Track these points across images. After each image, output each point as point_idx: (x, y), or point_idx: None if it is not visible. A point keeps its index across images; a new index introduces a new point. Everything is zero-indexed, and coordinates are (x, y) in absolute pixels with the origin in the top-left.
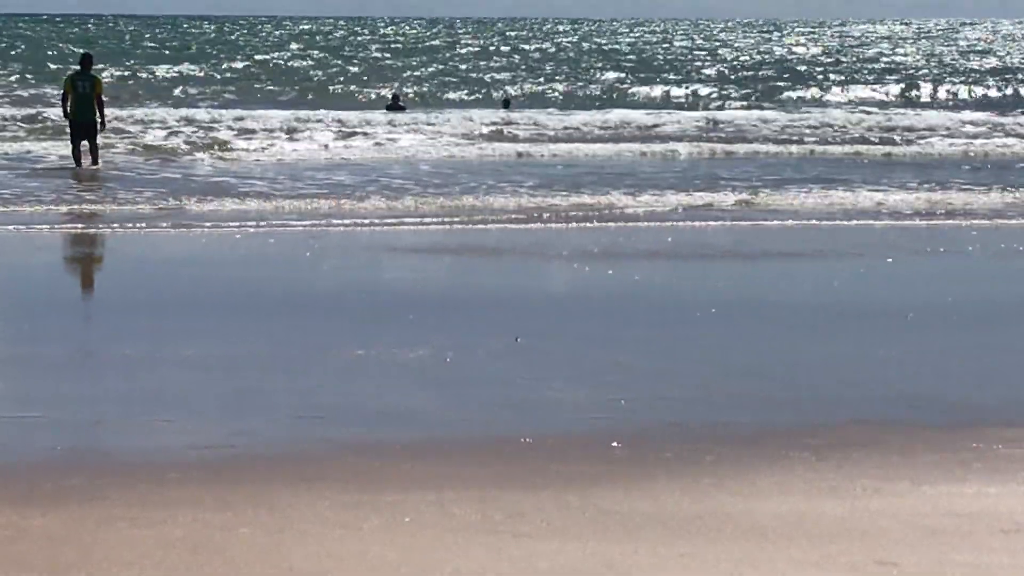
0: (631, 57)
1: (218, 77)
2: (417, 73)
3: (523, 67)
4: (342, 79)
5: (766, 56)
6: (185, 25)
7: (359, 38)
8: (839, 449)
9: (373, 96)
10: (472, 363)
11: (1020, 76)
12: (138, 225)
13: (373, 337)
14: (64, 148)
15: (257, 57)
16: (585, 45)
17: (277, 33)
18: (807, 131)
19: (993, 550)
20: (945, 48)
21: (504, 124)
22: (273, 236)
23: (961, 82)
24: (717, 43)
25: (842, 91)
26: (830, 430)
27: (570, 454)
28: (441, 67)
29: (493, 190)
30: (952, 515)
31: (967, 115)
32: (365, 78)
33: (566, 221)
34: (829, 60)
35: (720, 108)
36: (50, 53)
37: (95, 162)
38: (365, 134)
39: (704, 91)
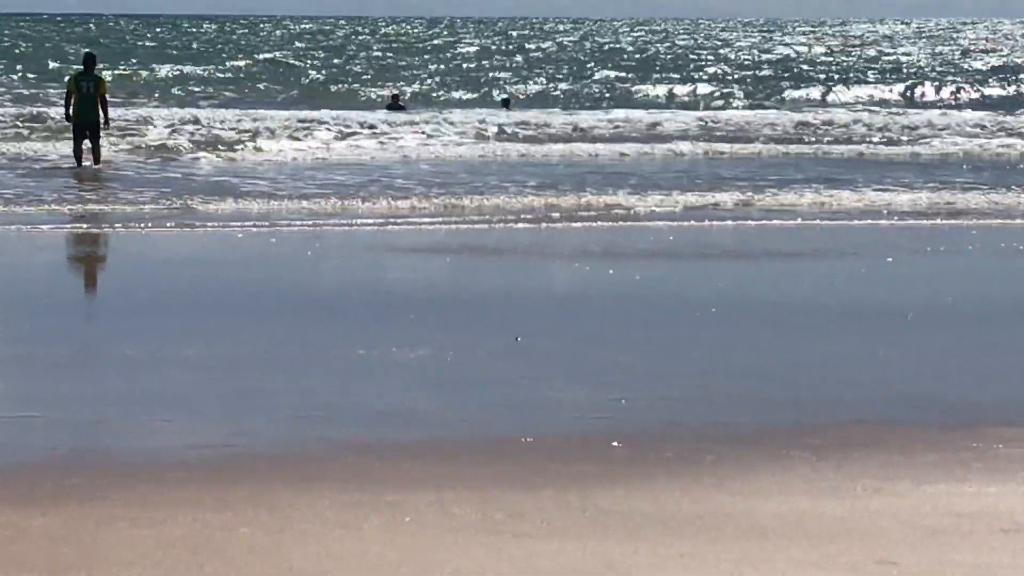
0: (634, 56)
1: (219, 77)
2: (417, 72)
3: (524, 67)
4: (343, 79)
5: (768, 56)
6: (186, 25)
7: (359, 38)
8: (839, 449)
9: (374, 96)
10: (472, 363)
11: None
12: (138, 225)
13: (373, 337)
14: (64, 148)
15: (257, 56)
16: (586, 44)
17: (277, 33)
18: (809, 131)
19: (993, 550)
20: (947, 48)
21: (505, 124)
22: (274, 236)
23: (964, 81)
24: (718, 42)
25: (846, 90)
26: (830, 430)
27: (570, 454)
28: (441, 67)
29: (494, 190)
30: (952, 515)
31: (969, 114)
32: (365, 78)
33: (566, 221)
34: (831, 59)
35: (722, 108)
36: (50, 50)
37: (96, 162)
38: (366, 134)
39: (706, 90)
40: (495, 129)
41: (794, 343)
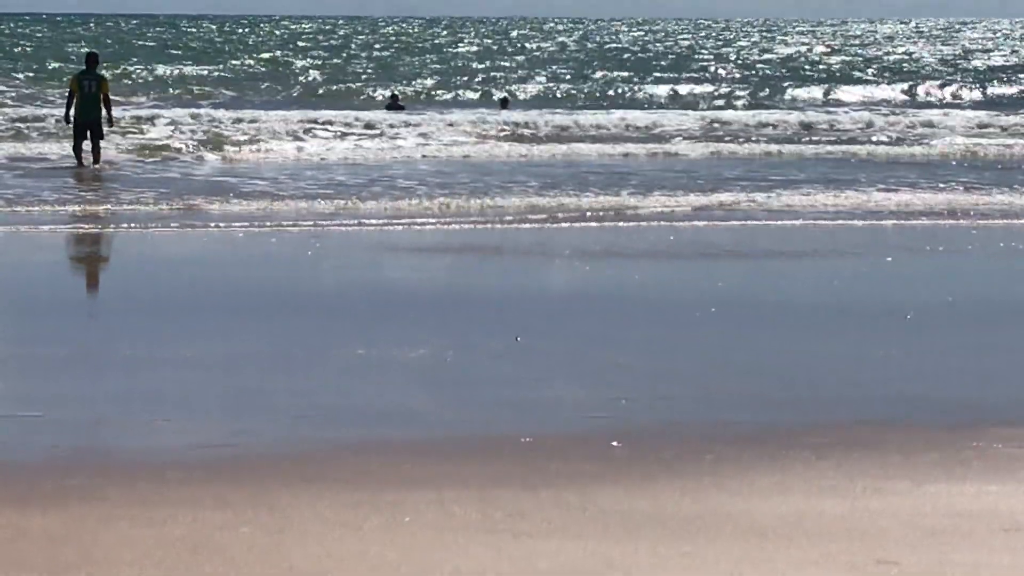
0: (637, 56)
1: (219, 76)
2: (417, 72)
3: (524, 67)
4: (342, 79)
5: (769, 55)
6: (186, 25)
7: (359, 37)
8: (839, 448)
9: (375, 96)
10: (472, 363)
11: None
12: (138, 225)
13: (373, 337)
14: (64, 148)
15: (257, 56)
16: (587, 44)
17: (277, 33)
18: (810, 130)
19: (993, 549)
20: (949, 48)
21: (506, 124)
22: (273, 236)
23: (967, 81)
24: (720, 42)
25: (848, 90)
26: (830, 430)
27: (570, 453)
28: (441, 67)
29: (493, 190)
30: (952, 514)
31: (971, 114)
32: (365, 77)
33: (565, 221)
34: (833, 59)
35: (723, 108)
36: (50, 50)
37: (96, 161)
38: (365, 134)
39: (708, 90)
40: (494, 129)
41: (794, 343)
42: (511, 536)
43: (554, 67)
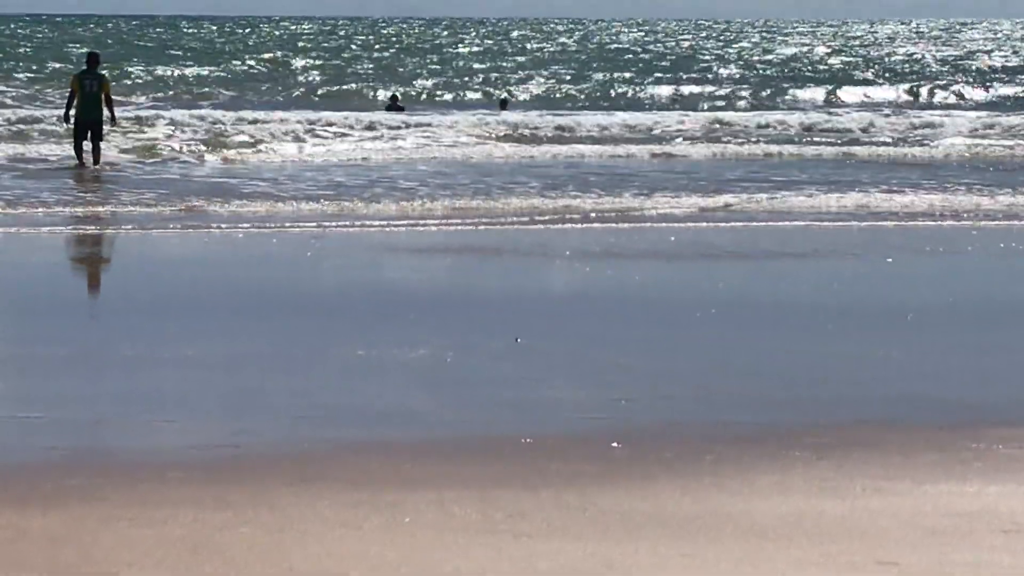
0: (638, 57)
1: (219, 77)
2: (417, 73)
3: (525, 67)
4: (342, 79)
5: (770, 56)
6: (186, 25)
7: (359, 38)
8: (839, 449)
9: (373, 97)
10: (472, 363)
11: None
12: (138, 226)
13: (374, 337)
14: (65, 149)
15: (257, 57)
16: (587, 45)
17: (277, 33)
18: (812, 131)
19: (993, 550)
20: (950, 48)
21: (506, 125)
22: (275, 237)
23: (969, 82)
24: (720, 43)
25: (850, 90)
26: (830, 430)
27: (570, 454)
28: (440, 67)
29: (493, 191)
30: (952, 515)
31: (973, 115)
32: (365, 78)
33: (566, 222)
34: (834, 59)
35: (725, 108)
36: (50, 51)
37: (96, 161)
38: (365, 135)
39: (710, 91)
40: (494, 130)
41: (794, 343)
42: (511, 537)
43: (554, 68)
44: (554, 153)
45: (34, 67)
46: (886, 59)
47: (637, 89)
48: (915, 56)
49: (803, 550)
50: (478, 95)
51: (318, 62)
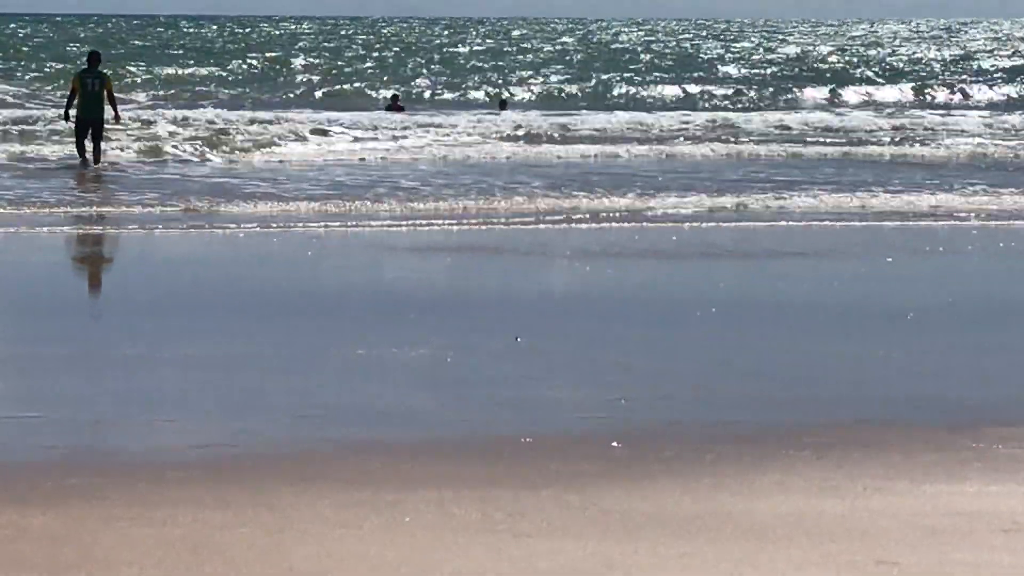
0: (639, 57)
1: (219, 77)
2: (417, 73)
3: (525, 67)
4: (342, 80)
5: (773, 56)
6: (186, 25)
7: (360, 38)
8: (839, 448)
9: (375, 97)
10: (472, 363)
11: None
12: (138, 226)
13: (374, 337)
14: (65, 149)
15: (257, 56)
16: (588, 45)
17: (277, 33)
18: (815, 132)
19: (993, 549)
20: (952, 48)
21: (506, 124)
22: (275, 237)
23: (973, 82)
24: (721, 42)
25: (853, 90)
26: (830, 429)
27: (570, 453)
28: (440, 67)
29: (495, 191)
30: (952, 514)
31: (976, 115)
32: (365, 78)
33: (566, 222)
34: (837, 60)
35: (727, 109)
36: (50, 51)
37: (97, 161)
38: (365, 135)
39: (712, 91)
40: (494, 130)
41: (794, 343)
42: (511, 536)
43: (555, 67)
44: (554, 153)
45: (35, 67)
46: (889, 59)
47: (638, 89)
48: (918, 56)
49: (803, 550)
50: (478, 95)
51: (318, 62)
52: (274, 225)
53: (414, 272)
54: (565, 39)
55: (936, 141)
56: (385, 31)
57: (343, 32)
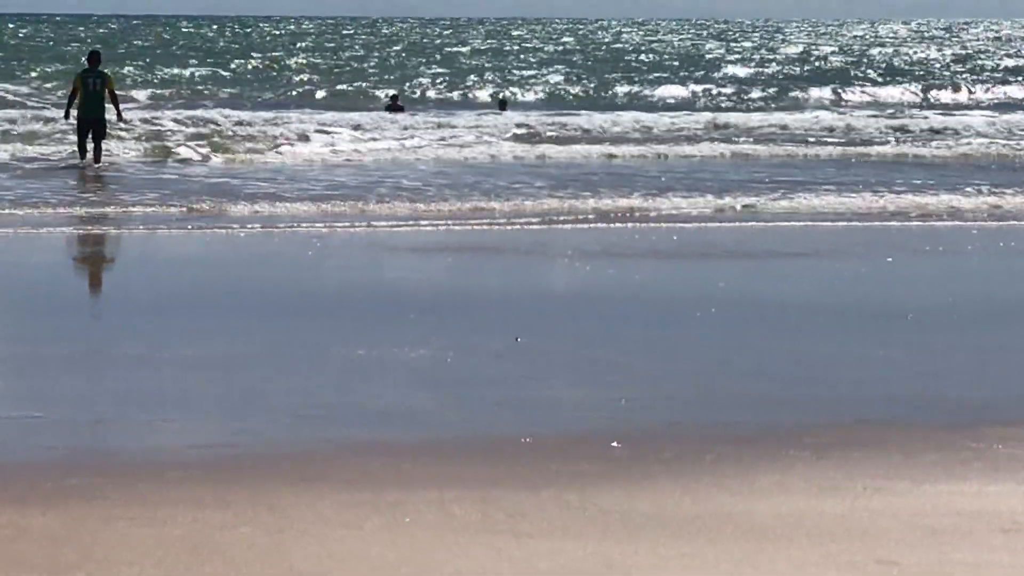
0: (639, 57)
1: (219, 77)
2: (417, 72)
3: (525, 67)
4: (343, 80)
5: (776, 56)
6: (186, 25)
7: (360, 38)
8: (839, 448)
9: (375, 96)
10: (472, 363)
11: None
12: (138, 226)
13: (374, 337)
14: (65, 150)
15: (258, 56)
16: (588, 45)
17: (277, 33)
18: (818, 132)
19: (993, 549)
20: (954, 48)
21: (506, 125)
22: (275, 237)
23: (977, 82)
24: (722, 42)
25: (858, 91)
26: (830, 429)
27: (570, 454)
28: (440, 67)
29: (495, 192)
30: (952, 514)
31: (979, 114)
32: (365, 78)
33: (566, 222)
34: (842, 60)
35: (729, 109)
36: (50, 51)
37: (97, 161)
38: (366, 136)
39: (714, 91)
40: (494, 130)
41: (794, 343)
42: (512, 536)
43: (556, 67)
44: (555, 153)
45: (35, 66)
46: (891, 59)
47: (639, 89)
48: (920, 56)
49: (803, 550)
50: (478, 95)
51: (319, 62)
52: (274, 225)
53: (414, 272)
54: (566, 39)
55: (940, 141)
56: (385, 31)
57: (343, 32)
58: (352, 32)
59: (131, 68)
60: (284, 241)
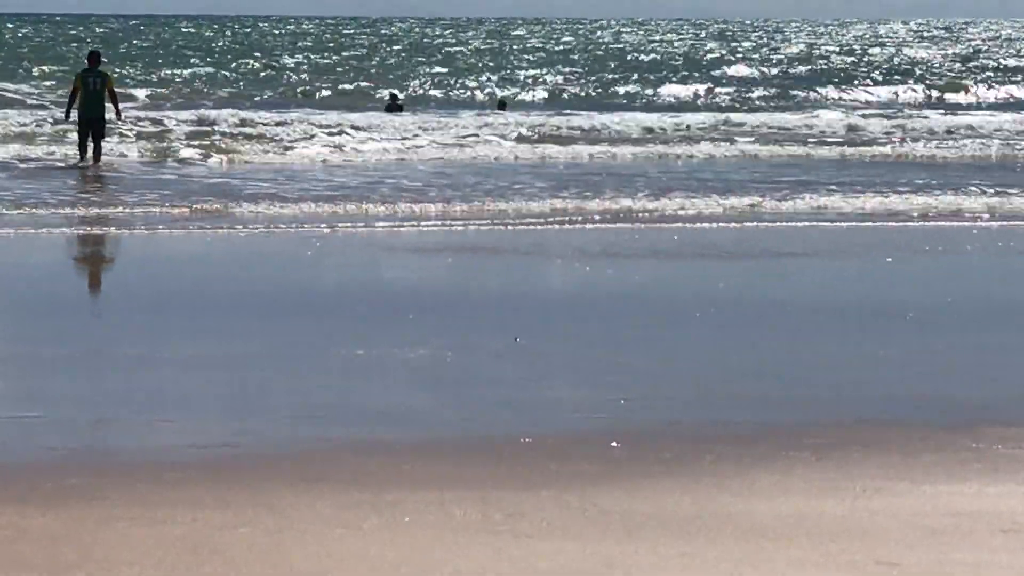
0: (639, 56)
1: (219, 77)
2: (416, 72)
3: (525, 67)
4: (343, 79)
5: (778, 56)
6: (186, 25)
7: (360, 38)
8: (839, 449)
9: (375, 96)
10: (472, 363)
11: None
12: (138, 226)
13: (374, 337)
14: (65, 149)
15: (258, 56)
16: (588, 45)
17: (277, 32)
18: (820, 132)
19: (993, 549)
20: (956, 47)
21: (506, 125)
22: (276, 237)
23: (980, 82)
24: (723, 42)
25: (860, 91)
26: (830, 429)
27: (570, 454)
28: (439, 67)
29: (494, 192)
30: (952, 515)
31: (981, 114)
32: (364, 78)
33: (566, 223)
34: (845, 60)
35: (732, 109)
36: (50, 50)
37: (96, 160)
38: (365, 136)
39: (716, 91)
40: (494, 130)
41: (794, 343)
42: (511, 536)
43: (556, 67)
44: (556, 153)
45: (35, 66)
46: (894, 58)
47: (639, 89)
48: (922, 56)
49: (803, 550)
50: (478, 95)
51: (319, 62)
52: (274, 225)
53: (414, 272)
54: (566, 39)
55: (942, 140)
56: (384, 31)
57: (343, 31)
58: (352, 32)
59: (131, 68)
60: (284, 241)
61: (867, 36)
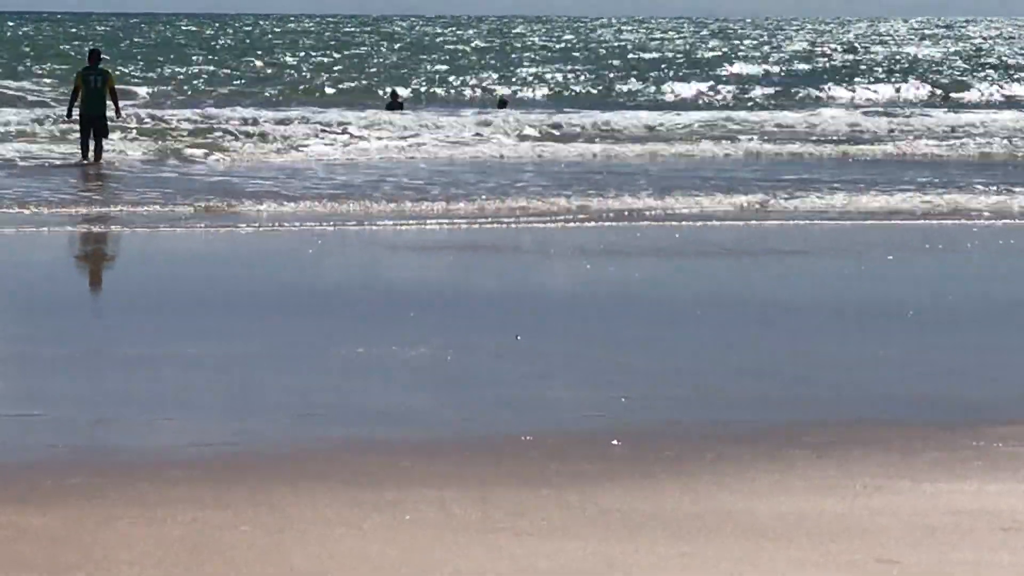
0: (640, 55)
1: (219, 76)
2: (416, 71)
3: (525, 65)
4: (343, 78)
5: (780, 55)
6: (186, 24)
7: (360, 36)
8: (839, 447)
9: (375, 94)
10: (472, 361)
11: None
12: (138, 225)
13: (374, 336)
14: (65, 148)
15: (258, 55)
16: (589, 43)
17: (278, 31)
18: (823, 131)
19: (993, 548)
20: (958, 45)
21: (506, 123)
22: (276, 235)
23: (983, 81)
24: (724, 41)
25: (861, 91)
26: (830, 428)
27: (570, 453)
28: (440, 66)
29: (495, 191)
30: (952, 513)
31: (983, 113)
32: (365, 77)
33: (568, 221)
34: (843, 58)
35: (733, 108)
36: (50, 50)
37: (98, 158)
38: (366, 134)
39: (717, 90)
40: (495, 129)
41: (794, 343)
42: (512, 536)
43: (557, 65)
44: (556, 151)
45: (35, 65)
46: (896, 57)
47: (640, 88)
48: (924, 54)
49: (803, 549)
50: (479, 93)
51: (319, 60)
52: (274, 224)
53: (415, 270)
54: (566, 38)
55: (943, 139)
56: (385, 29)
57: (344, 31)
58: (353, 30)
59: (132, 66)
60: (284, 240)
61: (868, 34)
